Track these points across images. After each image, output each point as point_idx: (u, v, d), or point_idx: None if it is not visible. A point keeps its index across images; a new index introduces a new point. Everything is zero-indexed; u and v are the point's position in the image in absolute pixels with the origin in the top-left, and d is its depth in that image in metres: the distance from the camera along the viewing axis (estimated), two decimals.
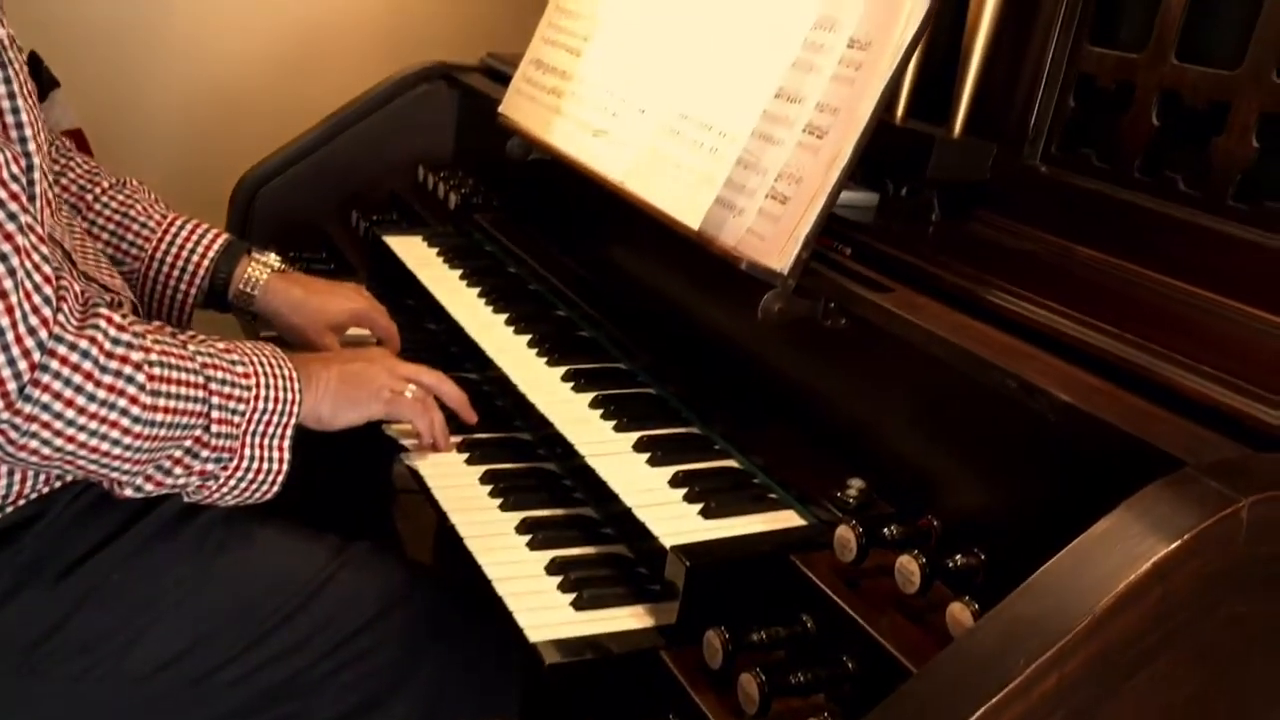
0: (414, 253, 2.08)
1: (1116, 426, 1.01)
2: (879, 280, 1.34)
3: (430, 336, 1.91)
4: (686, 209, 1.45)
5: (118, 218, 1.64)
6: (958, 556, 1.11)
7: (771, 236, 1.36)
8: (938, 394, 1.24)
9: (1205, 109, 1.33)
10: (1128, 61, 1.42)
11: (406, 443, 1.52)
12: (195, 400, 1.23)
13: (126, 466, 1.21)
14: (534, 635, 1.20)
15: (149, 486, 1.26)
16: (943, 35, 1.59)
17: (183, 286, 1.66)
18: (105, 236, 1.63)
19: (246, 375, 1.30)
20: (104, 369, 1.14)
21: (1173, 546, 0.83)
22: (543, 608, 1.25)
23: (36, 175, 1.15)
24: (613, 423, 1.49)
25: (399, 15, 3.22)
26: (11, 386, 1.08)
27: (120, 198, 1.66)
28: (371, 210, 2.38)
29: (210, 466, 1.28)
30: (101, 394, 1.14)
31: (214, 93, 3.11)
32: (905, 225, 1.53)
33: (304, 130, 2.58)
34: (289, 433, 1.34)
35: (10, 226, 1.06)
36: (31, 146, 1.14)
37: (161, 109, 3.06)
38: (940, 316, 1.24)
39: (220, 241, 1.69)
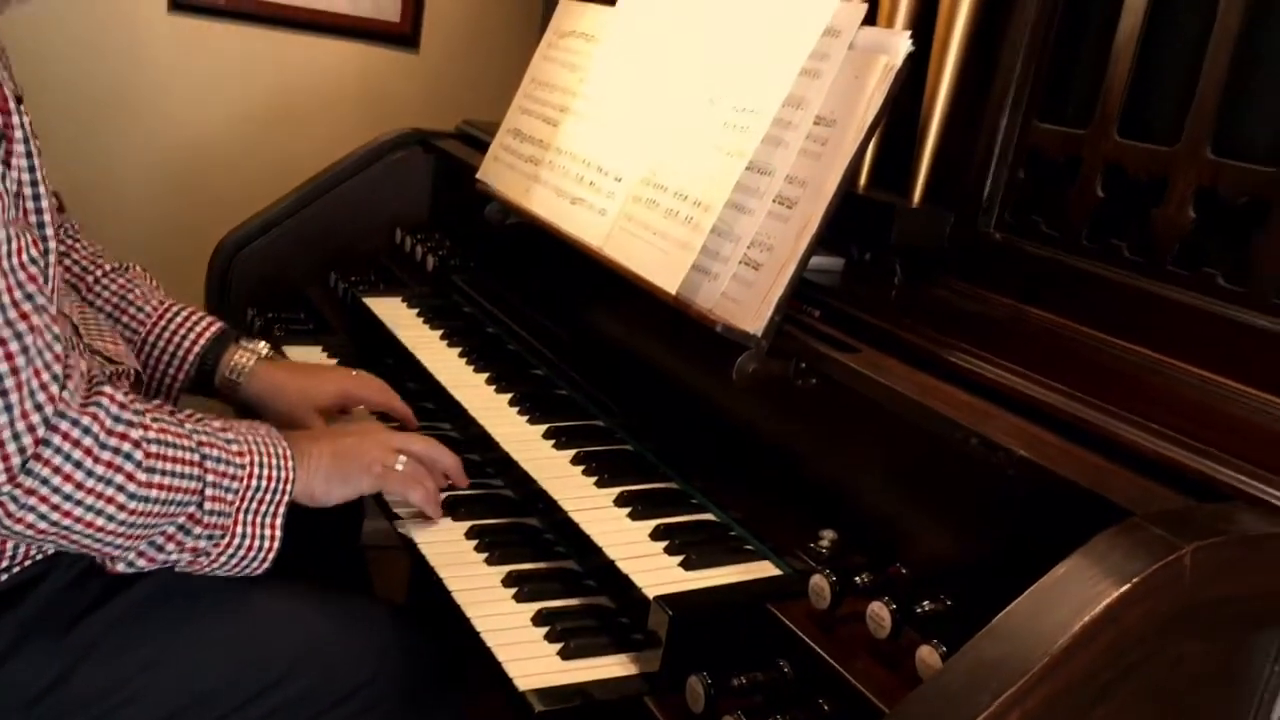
0: (394, 314, 2.14)
1: (1071, 480, 1.09)
2: (847, 342, 1.41)
3: (410, 395, 1.95)
4: (664, 274, 1.52)
5: (115, 300, 1.68)
6: (926, 602, 1.18)
7: (745, 300, 1.44)
8: (904, 449, 1.31)
9: (1146, 182, 1.43)
10: (1074, 137, 1.52)
11: (399, 511, 1.55)
12: (190, 478, 1.27)
13: (120, 542, 1.25)
14: (523, 684, 1.25)
15: (141, 562, 1.30)
16: (902, 110, 1.68)
17: (171, 372, 1.69)
18: (102, 318, 1.65)
19: (241, 454, 1.34)
20: (103, 445, 1.18)
21: (1123, 589, 0.90)
22: (530, 657, 1.30)
23: (52, 259, 1.21)
24: (594, 479, 1.55)
25: (369, 81, 3.30)
26: (15, 461, 1.12)
27: (120, 281, 1.70)
28: (350, 272, 2.44)
29: (202, 543, 1.31)
30: (100, 470, 1.18)
31: (188, 156, 3.16)
32: (870, 289, 1.61)
33: (279, 193, 2.64)
34: (282, 510, 1.37)
35: (27, 306, 1.11)
36: (49, 231, 1.20)
37: (136, 172, 3.10)
38: (906, 377, 1.31)
39: (213, 330, 1.72)
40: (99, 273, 1.69)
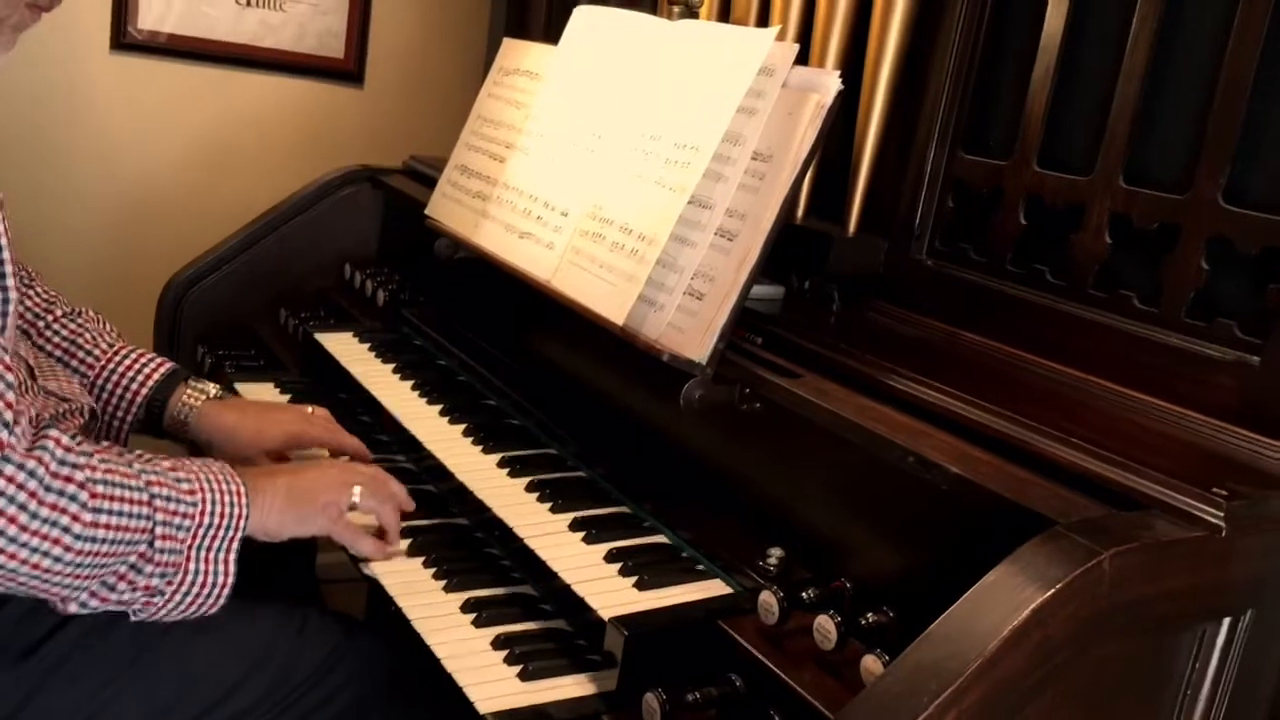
0: (346, 349, 2.17)
1: (999, 494, 1.16)
2: (789, 367, 1.48)
3: (364, 428, 1.98)
4: (612, 306, 1.58)
5: (66, 344, 1.69)
6: (869, 614, 1.24)
7: (690, 330, 1.50)
8: (845, 468, 1.38)
9: (1064, 210, 1.52)
10: (996, 168, 1.61)
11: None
12: (139, 517, 1.29)
13: (69, 582, 1.26)
14: (484, 707, 1.29)
15: (94, 603, 1.31)
16: (835, 143, 1.76)
17: (120, 414, 1.70)
18: (50, 363, 1.65)
19: (192, 492, 1.35)
20: (48, 488, 1.20)
21: (1048, 595, 0.97)
22: (491, 681, 1.34)
23: (11, 308, 1.23)
24: (548, 505, 1.59)
25: (315, 117, 3.33)
26: None
27: (72, 326, 1.71)
28: (300, 308, 2.46)
29: (155, 582, 1.33)
30: (44, 512, 1.20)
31: (134, 196, 3.16)
32: (810, 315, 1.68)
33: (226, 230, 2.67)
34: (235, 546, 1.38)
35: None
36: (10, 282, 1.22)
37: (81, 214, 3.09)
38: (845, 400, 1.38)
39: (162, 371, 1.72)
40: (49, 318, 1.70)
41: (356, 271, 2.47)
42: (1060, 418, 1.29)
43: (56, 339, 1.69)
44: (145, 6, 3.07)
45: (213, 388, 1.75)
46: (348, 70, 3.34)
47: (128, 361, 1.72)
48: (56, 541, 1.21)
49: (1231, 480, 1.15)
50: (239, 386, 2.12)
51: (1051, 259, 1.54)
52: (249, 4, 3.19)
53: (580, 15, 1.96)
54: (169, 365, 1.74)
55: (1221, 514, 1.07)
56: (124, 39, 3.07)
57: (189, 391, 1.72)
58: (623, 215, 1.65)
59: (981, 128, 1.65)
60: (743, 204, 1.50)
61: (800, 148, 1.46)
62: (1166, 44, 1.42)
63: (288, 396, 2.10)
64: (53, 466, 1.21)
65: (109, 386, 1.70)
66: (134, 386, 1.70)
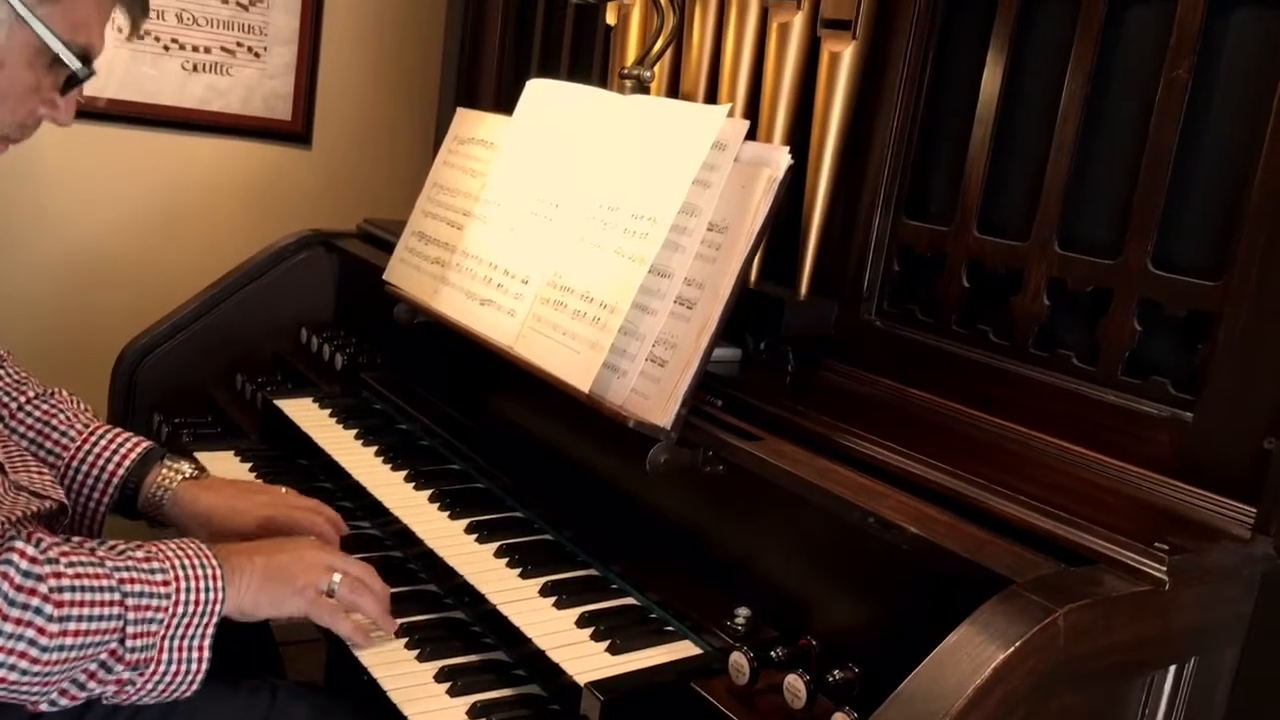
0: (306, 415, 2.19)
1: (956, 553, 1.22)
2: (749, 430, 1.53)
3: (327, 495, 1.99)
4: (577, 373, 1.62)
5: (39, 426, 1.68)
6: (836, 672, 1.29)
7: (654, 396, 1.55)
8: (808, 528, 1.43)
9: (1004, 273, 1.60)
10: (939, 234, 1.69)
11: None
12: (109, 618, 1.29)
13: (37, 689, 1.26)
14: None
15: (64, 701, 1.31)
16: (785, 210, 1.82)
17: (95, 495, 1.69)
18: (24, 444, 1.65)
19: (166, 583, 1.35)
20: (12, 603, 1.21)
21: (1008, 653, 1.03)
22: None
23: None
24: (518, 570, 1.62)
25: (263, 179, 3.35)
26: None
27: (45, 407, 1.70)
28: (256, 373, 2.48)
29: (126, 675, 1.33)
30: (9, 628, 1.21)
31: (81, 264, 3.14)
32: (766, 377, 1.74)
33: (176, 295, 2.67)
34: (210, 631, 1.38)
35: None
36: None
37: (27, 286, 3.06)
38: (806, 462, 1.43)
39: (139, 451, 1.71)
40: (21, 399, 1.70)
41: (313, 336, 2.49)
42: (1009, 473, 1.36)
43: (30, 420, 1.68)
44: (98, 75, 3.07)
45: (188, 467, 1.74)
46: (295, 132, 3.37)
47: (103, 442, 1.70)
48: (23, 655, 1.22)
49: (1171, 532, 1.22)
50: (198, 455, 2.12)
51: (994, 320, 1.62)
52: (195, 69, 3.21)
53: (534, 87, 2.02)
54: (145, 445, 1.73)
55: (1165, 568, 1.14)
56: None
57: (164, 472, 1.71)
58: (583, 284, 1.70)
59: (923, 195, 1.74)
60: (700, 273, 1.56)
61: (755, 220, 1.53)
62: (1094, 117, 1.51)
63: (248, 464, 2.11)
64: (16, 580, 1.22)
65: (84, 468, 1.68)
66: (110, 467, 1.69)
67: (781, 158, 1.52)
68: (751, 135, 1.60)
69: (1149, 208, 1.43)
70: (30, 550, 1.24)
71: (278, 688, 1.55)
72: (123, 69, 3.11)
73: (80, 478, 1.68)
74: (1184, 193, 1.42)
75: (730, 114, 1.62)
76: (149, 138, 3.19)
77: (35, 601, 1.22)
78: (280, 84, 3.32)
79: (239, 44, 3.25)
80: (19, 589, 1.22)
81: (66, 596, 1.25)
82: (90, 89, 3.09)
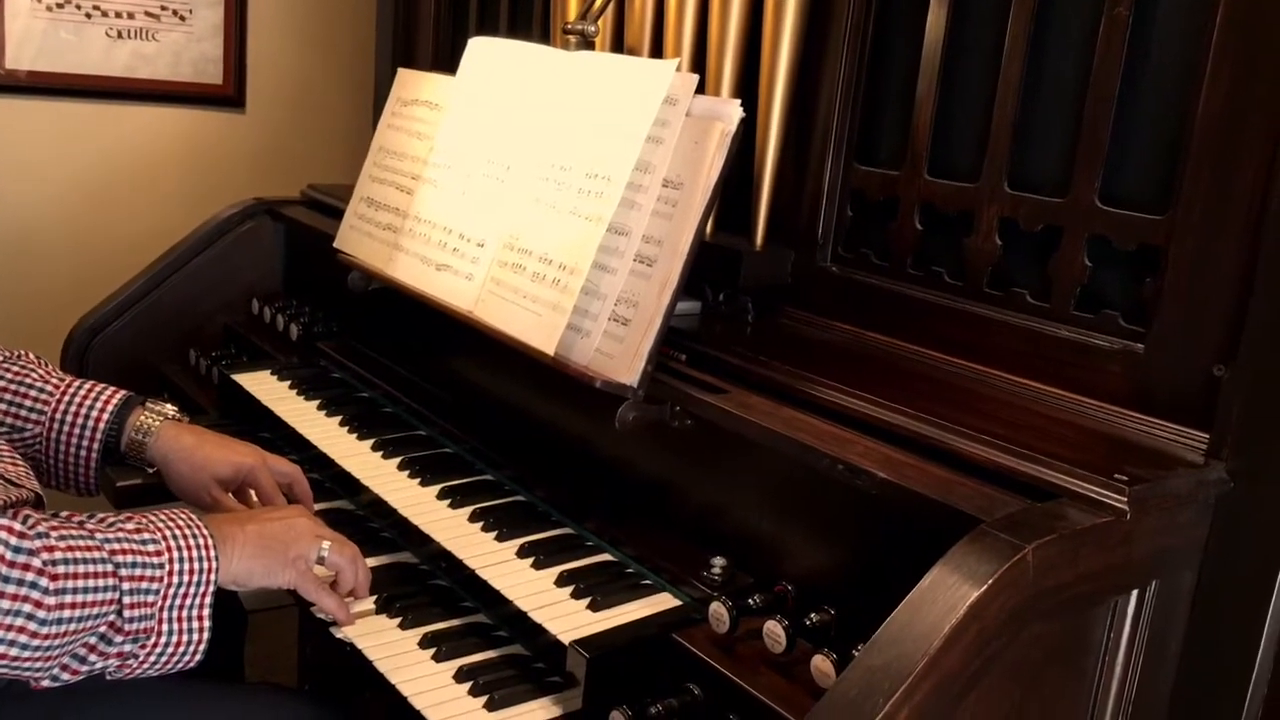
0: (265, 388, 2.17)
1: (925, 495, 1.25)
2: (715, 383, 1.55)
3: None
4: (540, 336, 1.63)
5: (14, 386, 1.68)
6: (813, 615, 1.33)
7: (619, 354, 1.56)
8: (777, 477, 1.46)
9: (956, 215, 1.63)
10: (890, 178, 1.70)
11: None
12: (104, 590, 1.29)
13: (38, 664, 1.27)
14: None
15: (66, 675, 1.31)
16: (737, 161, 1.83)
17: (84, 443, 1.70)
18: (3, 406, 1.66)
19: (159, 553, 1.35)
20: (6, 579, 1.21)
21: (980, 591, 1.06)
22: (460, 714, 1.38)
23: None
24: (494, 534, 1.64)
25: (198, 145, 3.28)
26: None
27: (15, 369, 1.71)
28: (209, 347, 2.45)
29: (127, 648, 1.33)
30: (5, 604, 1.21)
31: (18, 243, 3.07)
32: (727, 328, 1.76)
33: (117, 269, 2.63)
34: (208, 601, 1.38)
35: None
36: None
37: None
38: (772, 412, 1.46)
39: (119, 397, 1.74)
40: None
41: (265, 307, 2.46)
42: (969, 413, 1.40)
43: (2, 382, 1.68)
44: (14, 45, 2.98)
45: (171, 409, 1.77)
46: (227, 96, 3.30)
47: (83, 391, 1.72)
48: (22, 630, 1.22)
49: (1129, 461, 1.27)
50: None
51: (948, 261, 1.65)
52: (120, 35, 3.12)
53: (476, 46, 1.99)
54: (124, 392, 1.76)
55: (1125, 499, 1.19)
56: None
57: (145, 413, 1.74)
58: (541, 245, 1.70)
59: (874, 140, 1.75)
60: (658, 230, 1.57)
61: (710, 174, 1.53)
62: (1039, 57, 1.53)
63: None
64: (8, 556, 1.21)
65: (68, 418, 1.70)
66: (94, 413, 1.70)
67: (734, 111, 1.53)
68: (700, 87, 1.60)
69: (1095, 145, 1.45)
70: (18, 526, 1.24)
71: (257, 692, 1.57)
72: (41, 38, 3.02)
73: (66, 428, 1.69)
74: (1129, 129, 1.44)
75: (678, 68, 1.62)
76: (75, 109, 3.11)
77: (30, 576, 1.22)
78: (209, 46, 3.24)
79: (163, 7, 3.16)
80: (11, 565, 1.21)
81: (61, 570, 1.25)
82: (9, 60, 3.02)
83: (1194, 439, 1.34)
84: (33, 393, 1.70)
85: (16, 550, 1.22)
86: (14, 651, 1.22)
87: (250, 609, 2.10)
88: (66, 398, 1.71)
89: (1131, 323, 1.44)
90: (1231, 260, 1.31)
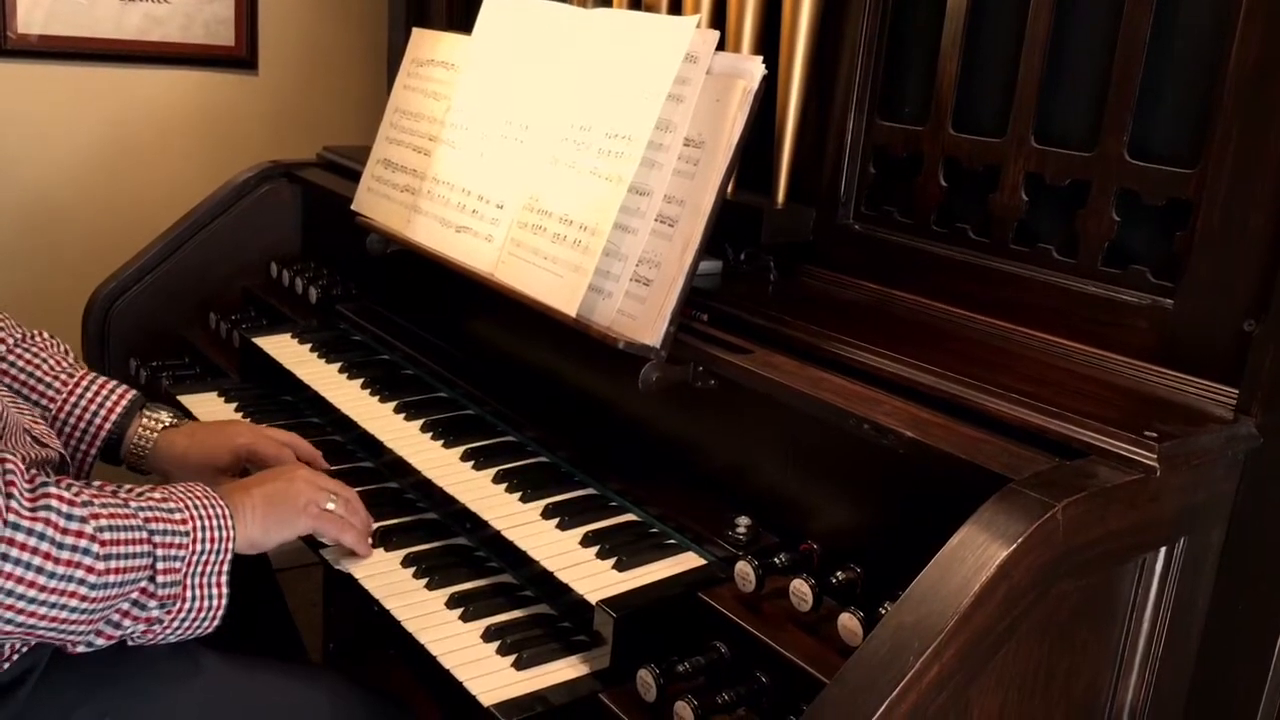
0: (287, 351, 2.18)
1: (953, 454, 1.25)
2: (738, 343, 1.55)
3: (315, 429, 2.00)
4: (562, 297, 1.62)
5: (24, 376, 1.68)
6: (839, 574, 1.33)
7: (641, 315, 1.55)
8: (803, 436, 1.46)
9: (981, 170, 1.61)
10: (914, 134, 1.68)
11: (326, 551, 1.61)
12: (141, 555, 1.32)
13: (82, 628, 1.29)
14: (487, 700, 1.35)
15: (100, 641, 1.34)
16: (758, 119, 1.81)
17: (84, 447, 1.71)
18: (8, 396, 1.63)
19: (184, 521, 1.38)
20: (60, 545, 1.23)
21: (1011, 550, 1.06)
22: (488, 673, 1.40)
23: None
24: (518, 494, 1.65)
25: (212, 108, 3.26)
26: None
27: (27, 355, 1.70)
28: (229, 310, 2.45)
29: (155, 613, 1.36)
30: (61, 570, 1.23)
31: (35, 208, 3.07)
32: (749, 287, 1.75)
33: (134, 233, 2.63)
34: (226, 568, 1.42)
35: None
36: None
37: None
38: (797, 373, 1.45)
39: (125, 403, 1.73)
40: (3, 348, 1.68)
41: (284, 270, 2.46)
42: (996, 370, 1.39)
43: (14, 370, 1.68)
44: (25, 10, 2.96)
45: (167, 416, 1.77)
46: (240, 57, 3.28)
47: (89, 394, 1.72)
48: (73, 594, 1.24)
49: (1158, 418, 1.26)
50: (181, 399, 2.12)
51: (973, 217, 1.63)
52: None
53: (492, 4, 1.97)
54: (129, 396, 1.75)
55: (1155, 456, 1.18)
56: (4, 45, 2.96)
57: (144, 422, 1.74)
58: (561, 206, 1.68)
59: (897, 95, 1.73)
60: (680, 190, 1.55)
61: (732, 133, 1.51)
62: (1066, 9, 1.50)
63: (233, 405, 2.10)
64: (61, 524, 1.23)
65: (71, 420, 1.70)
66: (97, 421, 1.70)
67: (755, 68, 1.51)
68: (720, 44, 1.57)
69: (1124, 98, 1.43)
70: (66, 494, 1.26)
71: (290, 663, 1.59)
72: (51, 2, 3.00)
73: (69, 430, 1.70)
74: (1158, 82, 1.42)
75: (698, 25, 1.59)
76: (88, 73, 3.09)
77: (83, 543, 1.25)
78: (220, 7, 3.22)
79: None
80: (64, 532, 1.23)
81: (107, 535, 1.27)
82: (20, 24, 3.00)
83: (1223, 394, 1.33)
84: (40, 386, 1.69)
85: (69, 518, 1.24)
86: (64, 615, 1.25)
87: (277, 567, 2.12)
88: (74, 397, 1.70)
89: (1160, 278, 1.42)
90: (1262, 214, 1.29)
